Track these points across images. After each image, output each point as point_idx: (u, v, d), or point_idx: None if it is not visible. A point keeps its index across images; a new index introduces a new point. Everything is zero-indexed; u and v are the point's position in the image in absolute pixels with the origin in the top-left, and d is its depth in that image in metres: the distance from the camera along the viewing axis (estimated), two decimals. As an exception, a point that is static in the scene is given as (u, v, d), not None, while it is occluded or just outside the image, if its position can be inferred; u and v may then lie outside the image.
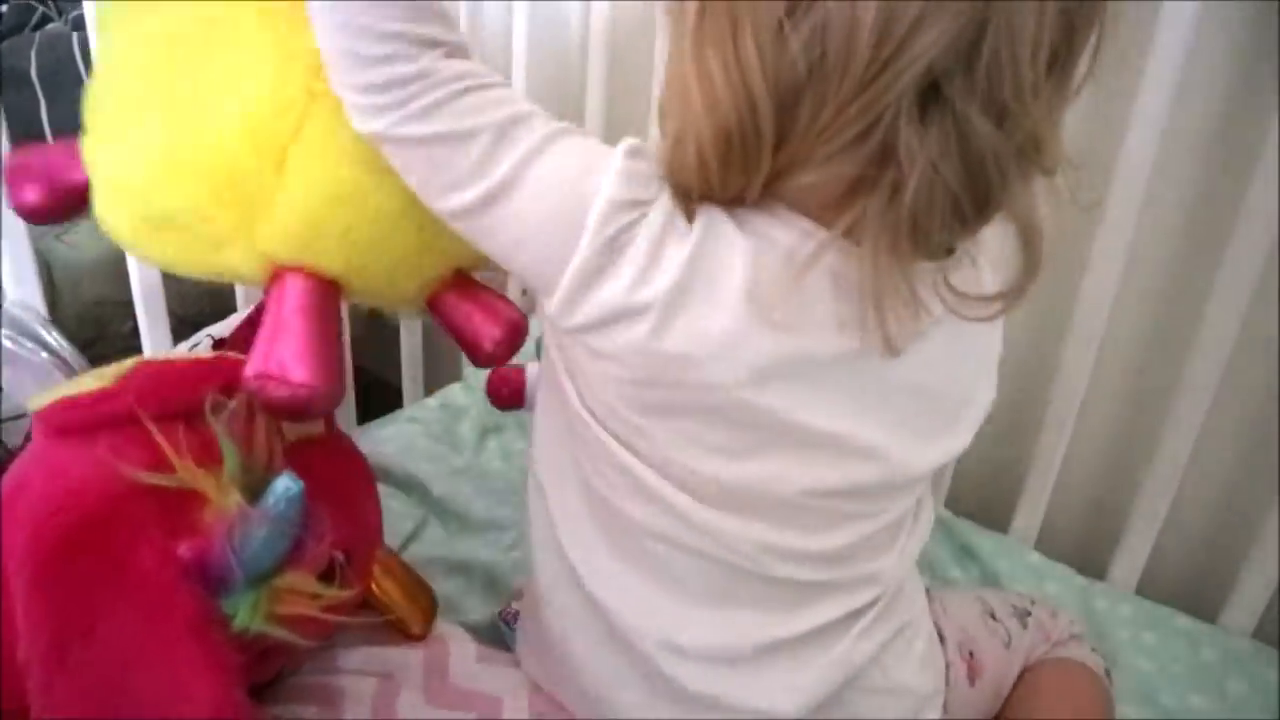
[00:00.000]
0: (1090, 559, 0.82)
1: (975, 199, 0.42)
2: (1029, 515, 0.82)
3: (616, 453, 0.49)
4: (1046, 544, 0.82)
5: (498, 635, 0.67)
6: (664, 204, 0.45)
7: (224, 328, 0.76)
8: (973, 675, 0.63)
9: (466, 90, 0.44)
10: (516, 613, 0.68)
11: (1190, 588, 0.80)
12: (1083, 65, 0.43)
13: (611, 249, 0.44)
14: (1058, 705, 0.63)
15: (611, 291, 0.44)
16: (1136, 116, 0.66)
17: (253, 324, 0.73)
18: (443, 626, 0.63)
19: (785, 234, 0.45)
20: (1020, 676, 0.64)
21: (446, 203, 0.46)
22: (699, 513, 0.49)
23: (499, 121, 0.44)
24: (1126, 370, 0.80)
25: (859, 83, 0.39)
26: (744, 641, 0.52)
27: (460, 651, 0.62)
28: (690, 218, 0.45)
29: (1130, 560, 0.78)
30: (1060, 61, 0.41)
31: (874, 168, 0.41)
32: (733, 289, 0.44)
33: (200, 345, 0.75)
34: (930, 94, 0.39)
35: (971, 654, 0.63)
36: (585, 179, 0.45)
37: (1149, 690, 0.70)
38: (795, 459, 0.48)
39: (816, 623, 0.52)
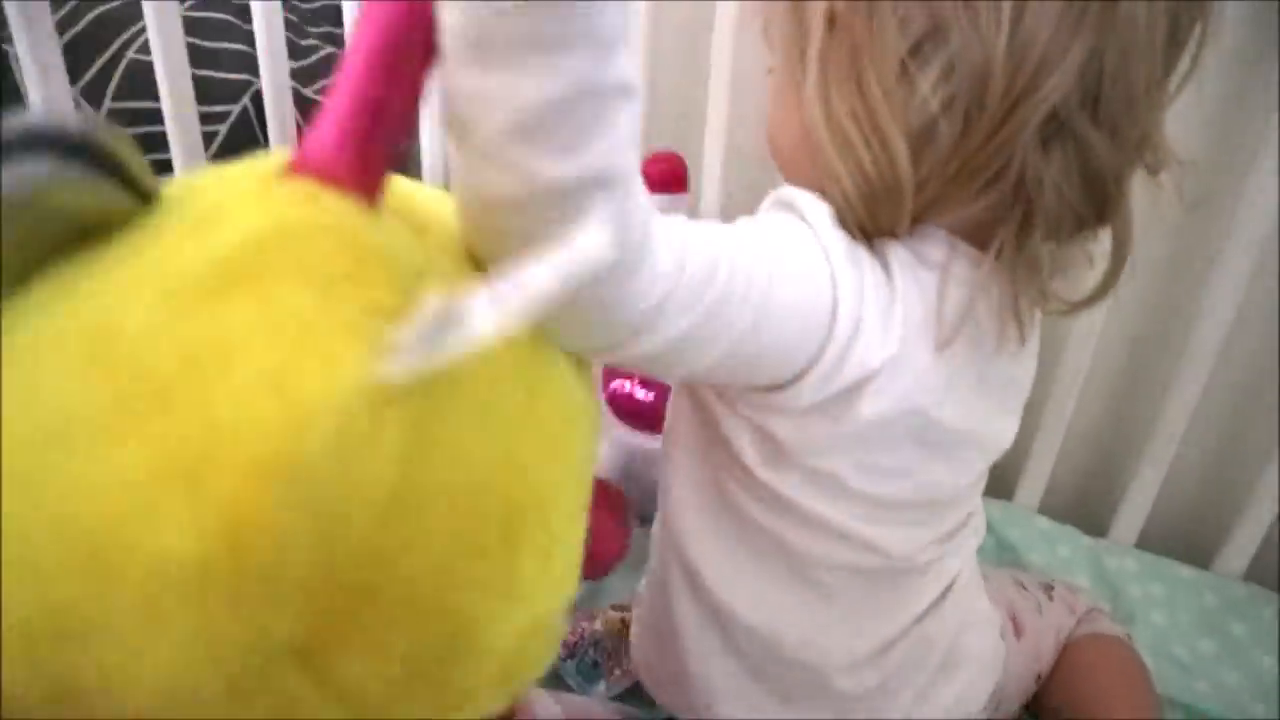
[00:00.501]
0: (1090, 516, 0.88)
1: (1097, 210, 0.45)
2: (1034, 481, 0.87)
3: (800, 502, 0.49)
4: (1047, 505, 0.88)
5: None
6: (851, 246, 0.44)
7: None
8: (1018, 632, 0.68)
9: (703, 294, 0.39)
10: (574, 643, 0.71)
11: (1185, 537, 0.86)
12: (1185, 64, 0.44)
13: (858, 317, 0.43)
14: (1108, 679, 0.68)
15: (864, 353, 0.43)
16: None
17: None
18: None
19: (958, 265, 0.46)
20: (1063, 655, 0.69)
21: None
22: (864, 530, 0.50)
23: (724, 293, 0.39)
24: (1126, 336, 0.84)
25: (994, 122, 0.41)
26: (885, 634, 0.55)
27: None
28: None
29: (1131, 515, 0.84)
30: (1167, 69, 0.43)
31: (1009, 199, 0.43)
32: (918, 320, 0.45)
33: None
34: (1051, 122, 0.41)
35: (1014, 616, 0.69)
36: (812, 276, 0.43)
37: (1162, 642, 0.76)
38: (953, 462, 0.50)
39: (928, 601, 0.55)
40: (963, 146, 0.42)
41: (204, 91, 0.95)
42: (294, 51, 1.03)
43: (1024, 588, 0.73)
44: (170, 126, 0.77)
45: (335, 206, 0.32)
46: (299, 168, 0.33)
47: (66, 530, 0.26)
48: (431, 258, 0.36)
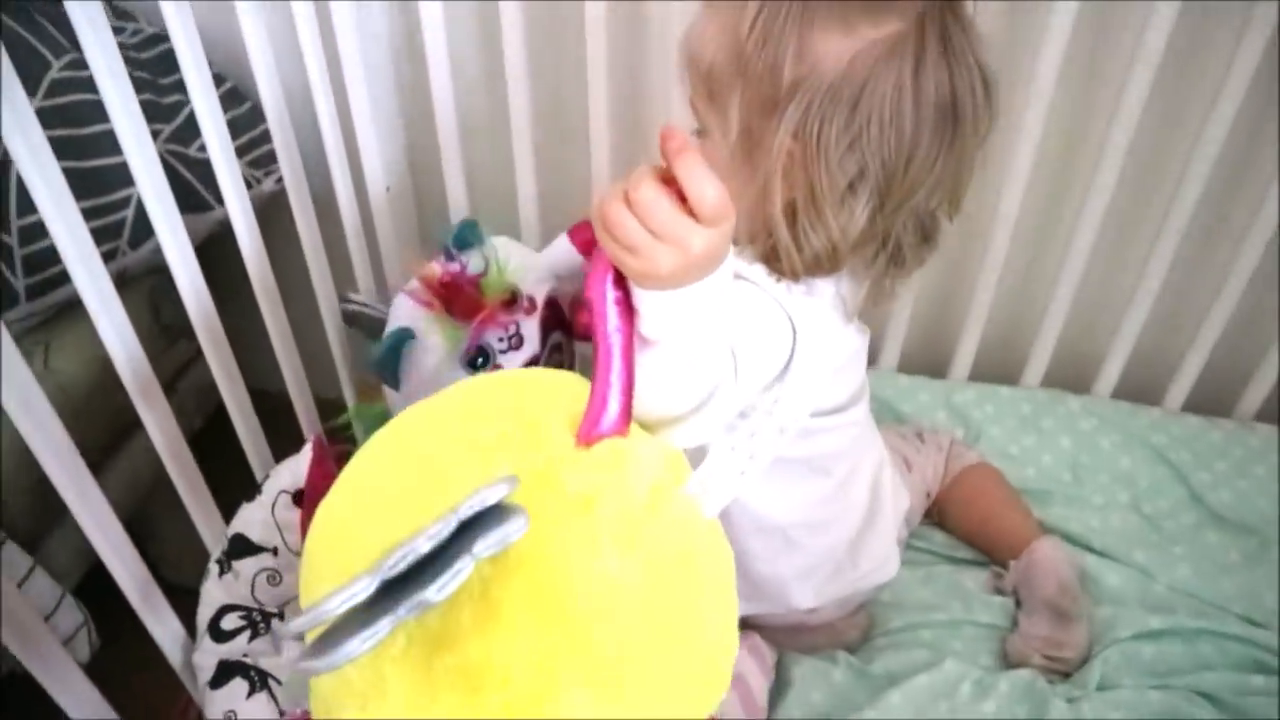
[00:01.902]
0: (934, 364, 1.17)
1: (924, 251, 0.70)
2: (891, 348, 1.15)
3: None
4: (902, 364, 1.16)
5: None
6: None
7: (292, 480, 0.86)
8: (909, 468, 0.98)
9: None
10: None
11: (1002, 365, 1.17)
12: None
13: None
14: (989, 499, 0.99)
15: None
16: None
17: (323, 472, 0.85)
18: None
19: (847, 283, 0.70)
20: (951, 487, 0.99)
21: None
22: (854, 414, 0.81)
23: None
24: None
25: (890, 219, 0.64)
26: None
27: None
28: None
29: (963, 357, 1.14)
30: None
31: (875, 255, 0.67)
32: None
33: (278, 501, 0.85)
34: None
35: (904, 457, 0.98)
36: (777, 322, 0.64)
37: (999, 446, 1.07)
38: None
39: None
40: (867, 233, 0.64)
41: (100, 180, 0.97)
42: (160, 112, 1.03)
43: (903, 436, 1.02)
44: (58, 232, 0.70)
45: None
46: (594, 436, 0.51)
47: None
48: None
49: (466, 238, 0.91)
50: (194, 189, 1.03)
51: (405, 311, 0.89)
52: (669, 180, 0.48)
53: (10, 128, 0.62)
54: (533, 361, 0.84)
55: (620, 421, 0.52)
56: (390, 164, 1.11)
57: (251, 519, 0.83)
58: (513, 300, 0.88)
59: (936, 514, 1.01)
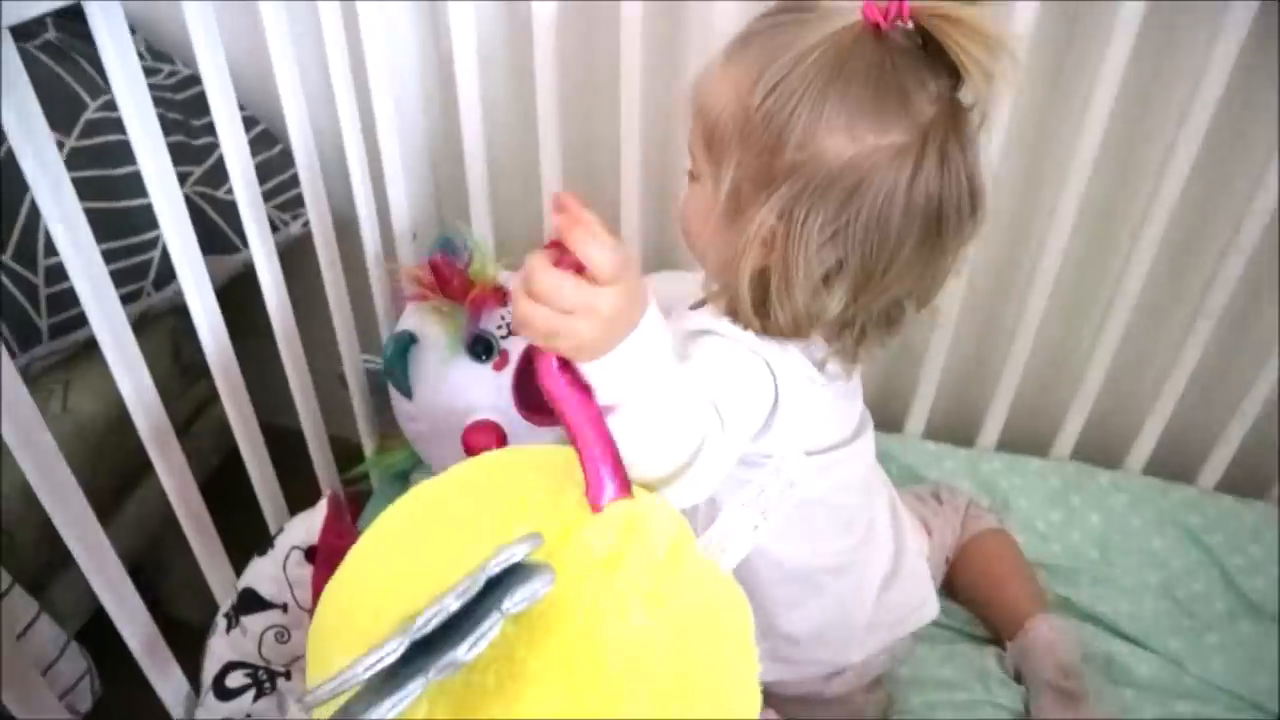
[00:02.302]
0: (961, 432, 1.14)
1: (886, 335, 0.70)
2: (918, 414, 1.13)
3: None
4: (929, 431, 1.14)
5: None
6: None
7: (305, 535, 0.85)
8: (929, 532, 0.95)
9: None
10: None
11: (1030, 434, 1.15)
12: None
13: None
14: (998, 565, 0.95)
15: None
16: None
17: (337, 530, 0.84)
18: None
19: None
20: (963, 552, 0.96)
21: None
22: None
23: None
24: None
25: (866, 308, 0.66)
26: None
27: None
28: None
29: (991, 426, 1.11)
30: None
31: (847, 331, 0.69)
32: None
33: (290, 557, 0.84)
34: None
35: (923, 521, 0.95)
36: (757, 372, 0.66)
37: (1026, 519, 1.04)
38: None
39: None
40: (836, 318, 0.65)
41: (129, 221, 0.97)
42: (191, 154, 1.04)
43: (920, 499, 0.99)
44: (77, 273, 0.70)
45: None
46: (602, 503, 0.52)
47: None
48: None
49: (452, 246, 0.96)
50: (221, 231, 1.03)
51: (404, 316, 0.89)
52: (563, 247, 0.50)
53: (35, 172, 0.62)
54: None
55: (621, 487, 0.53)
56: (418, 211, 1.11)
57: (262, 573, 0.82)
58: (504, 289, 0.93)
59: (945, 583, 0.98)
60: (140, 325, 1.02)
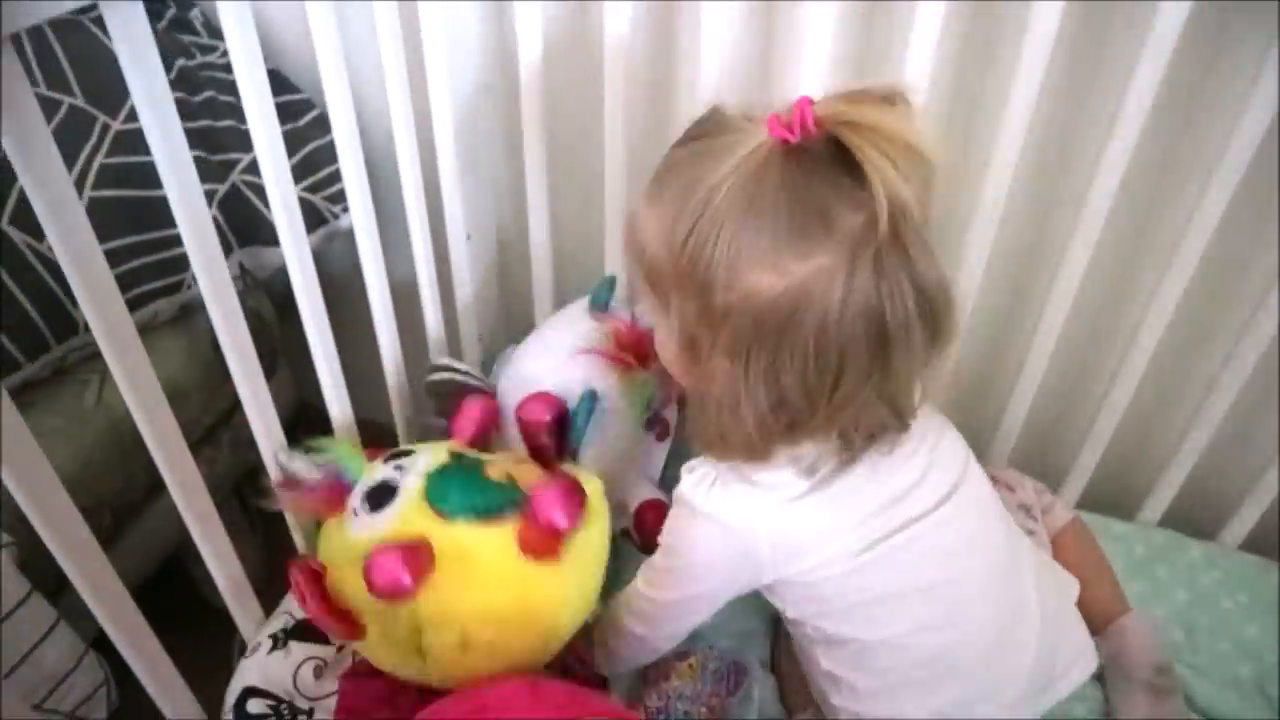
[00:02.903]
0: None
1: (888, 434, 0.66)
2: (997, 463, 1.04)
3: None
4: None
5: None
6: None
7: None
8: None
9: None
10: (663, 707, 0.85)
11: (1113, 496, 1.05)
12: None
13: None
14: (1082, 565, 0.87)
15: None
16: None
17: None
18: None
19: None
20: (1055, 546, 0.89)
21: None
22: None
23: None
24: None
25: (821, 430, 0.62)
26: None
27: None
28: None
29: (1074, 482, 1.02)
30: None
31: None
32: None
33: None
34: None
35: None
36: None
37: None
38: None
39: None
40: (789, 440, 0.62)
41: (169, 212, 0.94)
42: (241, 141, 1.00)
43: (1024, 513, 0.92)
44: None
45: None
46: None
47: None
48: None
49: (603, 297, 0.92)
50: (264, 220, 0.99)
51: (592, 372, 0.87)
52: None
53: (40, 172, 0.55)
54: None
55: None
56: (472, 211, 1.05)
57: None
58: None
59: None
60: (182, 318, 0.99)
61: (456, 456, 0.74)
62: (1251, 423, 0.97)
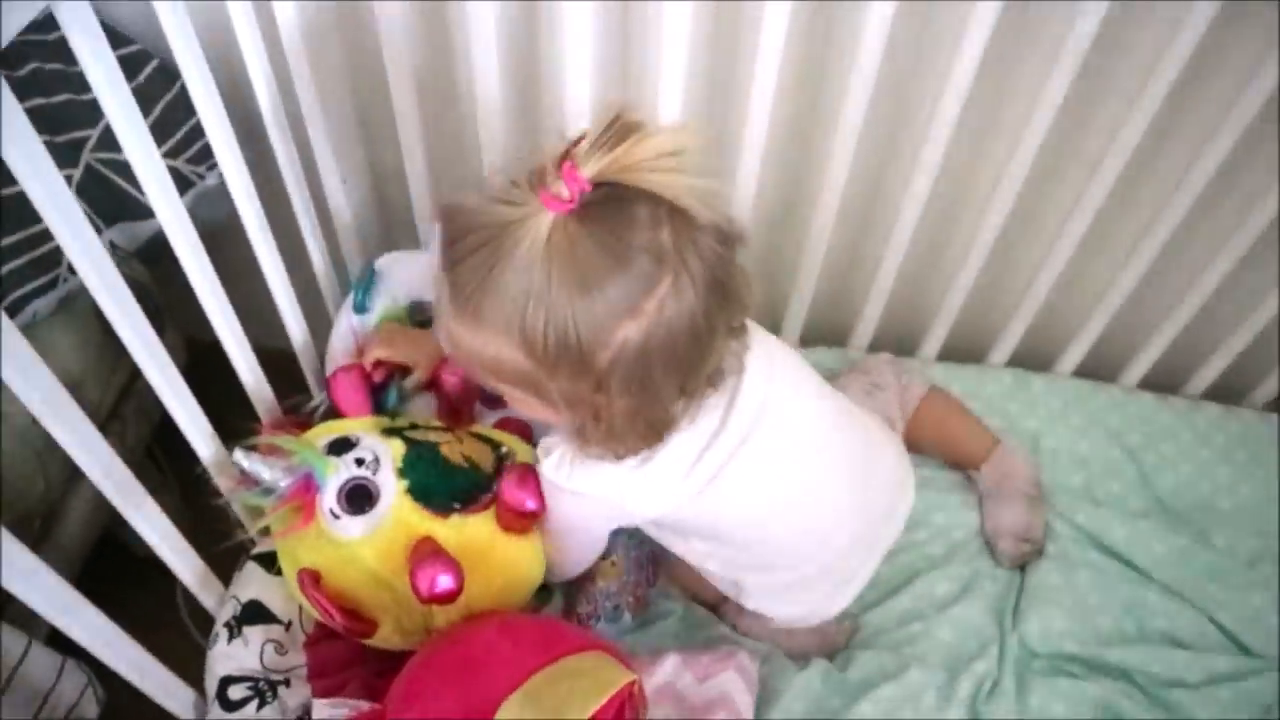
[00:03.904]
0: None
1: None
2: (864, 332, 1.15)
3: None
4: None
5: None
6: None
7: None
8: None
9: None
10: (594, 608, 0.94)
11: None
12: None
13: None
14: (949, 421, 1.07)
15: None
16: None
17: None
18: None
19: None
20: (912, 423, 1.06)
21: None
22: None
23: None
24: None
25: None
26: None
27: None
28: None
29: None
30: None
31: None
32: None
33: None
34: None
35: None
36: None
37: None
38: None
39: None
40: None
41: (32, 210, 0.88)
42: (83, 115, 0.92)
43: (866, 392, 1.06)
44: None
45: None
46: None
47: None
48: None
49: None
50: (129, 196, 0.95)
51: None
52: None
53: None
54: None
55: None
56: (344, 157, 1.03)
57: (272, 589, 0.85)
58: None
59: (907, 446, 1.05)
60: (66, 309, 0.96)
61: (412, 445, 0.78)
62: (1081, 266, 1.10)
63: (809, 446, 0.85)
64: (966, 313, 1.14)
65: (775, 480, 0.82)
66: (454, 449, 0.79)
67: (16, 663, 0.80)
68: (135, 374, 1.09)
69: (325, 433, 0.81)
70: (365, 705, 0.76)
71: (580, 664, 0.70)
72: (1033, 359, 1.17)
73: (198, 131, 0.99)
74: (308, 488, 0.75)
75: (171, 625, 1.19)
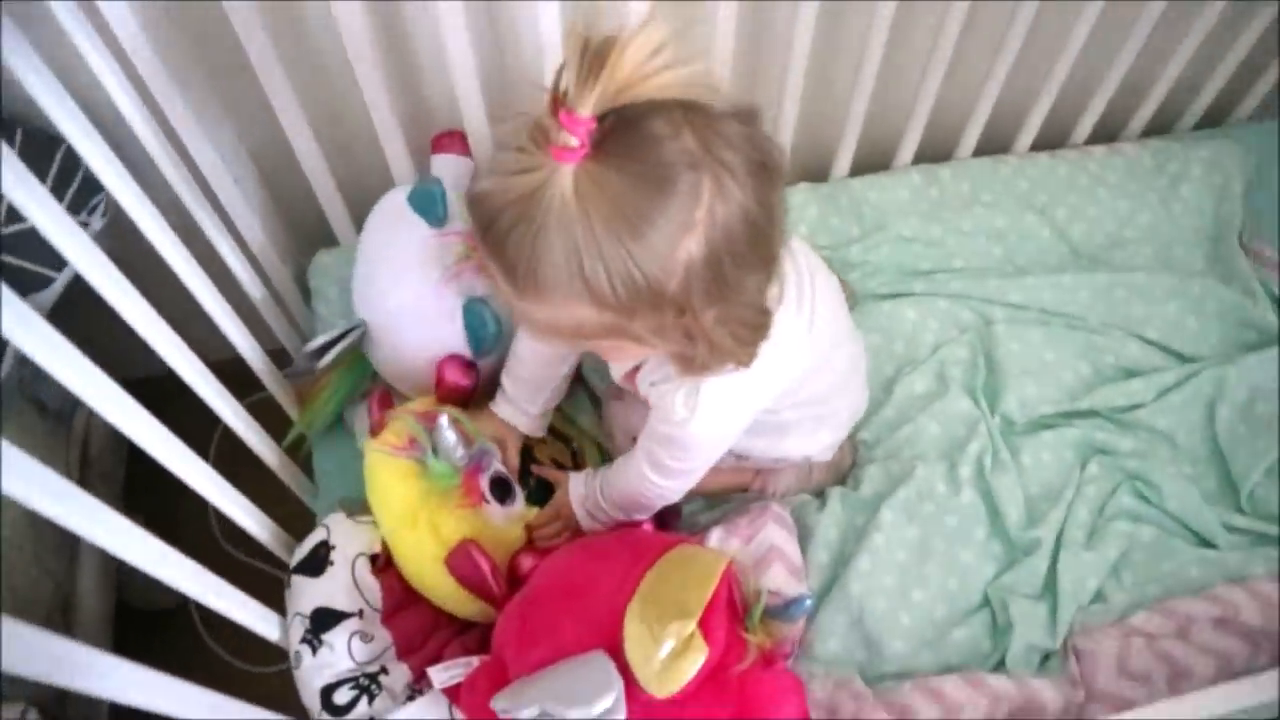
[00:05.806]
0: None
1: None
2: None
3: None
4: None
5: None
6: None
7: (367, 544, 0.87)
8: None
9: None
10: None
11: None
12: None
13: None
14: None
15: None
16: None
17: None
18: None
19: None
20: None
21: None
22: None
23: None
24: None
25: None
26: None
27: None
28: None
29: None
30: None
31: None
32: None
33: (357, 566, 0.87)
34: None
35: None
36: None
37: (897, 231, 1.18)
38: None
39: None
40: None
41: None
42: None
43: None
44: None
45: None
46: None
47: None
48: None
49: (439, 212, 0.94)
50: (23, 270, 0.87)
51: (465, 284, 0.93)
52: None
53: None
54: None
55: None
56: (227, 152, 0.96)
57: (329, 590, 0.85)
58: None
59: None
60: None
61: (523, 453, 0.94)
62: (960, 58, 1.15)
63: (823, 271, 0.87)
64: (869, 125, 1.17)
65: (833, 307, 0.85)
66: (544, 451, 0.91)
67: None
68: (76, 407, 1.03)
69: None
70: (475, 660, 0.78)
71: (680, 558, 0.73)
72: (935, 154, 1.22)
73: (63, 180, 0.90)
74: (478, 469, 0.84)
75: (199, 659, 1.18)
